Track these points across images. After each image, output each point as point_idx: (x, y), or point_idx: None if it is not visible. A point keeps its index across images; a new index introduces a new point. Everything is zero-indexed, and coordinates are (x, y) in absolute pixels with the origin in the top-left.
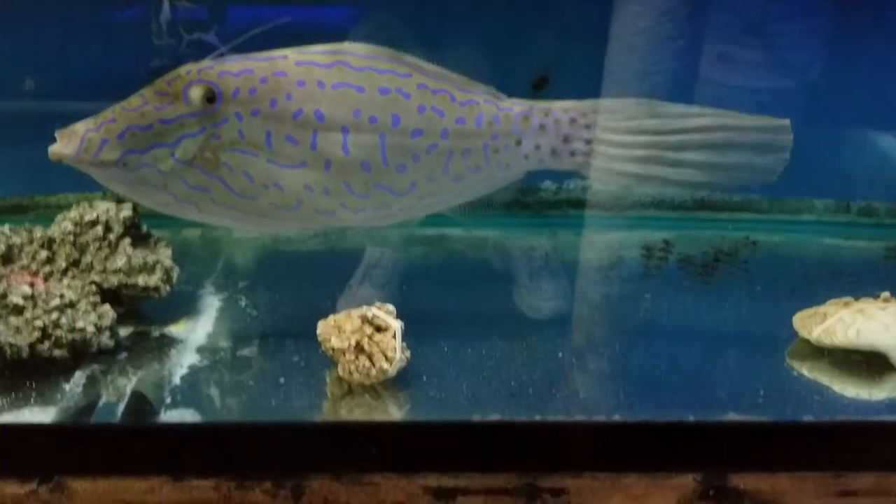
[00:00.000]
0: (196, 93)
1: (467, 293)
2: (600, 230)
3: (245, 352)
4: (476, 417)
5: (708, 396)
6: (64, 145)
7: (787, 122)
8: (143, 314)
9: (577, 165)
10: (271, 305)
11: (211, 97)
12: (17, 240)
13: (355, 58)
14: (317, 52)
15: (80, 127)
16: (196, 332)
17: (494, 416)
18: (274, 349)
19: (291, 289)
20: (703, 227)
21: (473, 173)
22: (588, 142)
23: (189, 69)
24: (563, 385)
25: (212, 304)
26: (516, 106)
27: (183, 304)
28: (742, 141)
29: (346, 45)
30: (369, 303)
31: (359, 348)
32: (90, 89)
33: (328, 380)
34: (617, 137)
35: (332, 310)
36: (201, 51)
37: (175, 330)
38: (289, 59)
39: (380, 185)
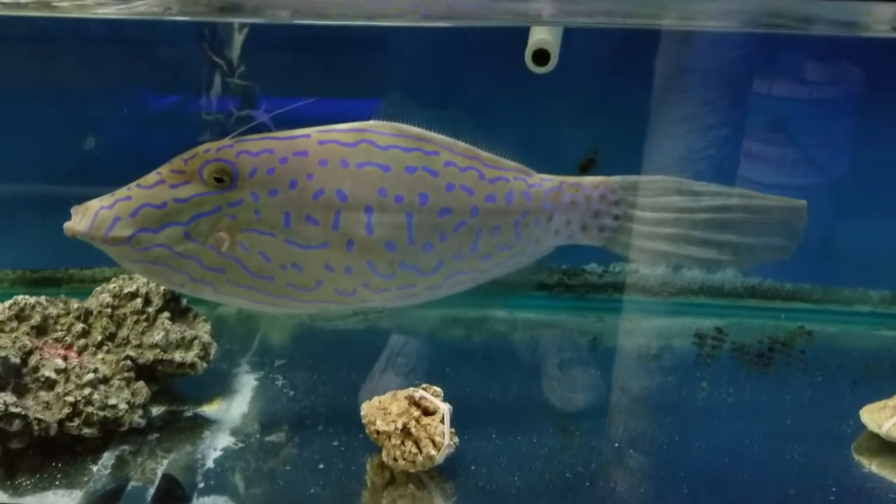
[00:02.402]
0: (211, 172)
1: (512, 377)
2: (648, 315)
3: (282, 435)
4: None
5: (777, 494)
6: (78, 221)
7: (804, 202)
8: (176, 391)
9: (605, 241)
10: (309, 385)
11: (227, 177)
12: (52, 311)
13: (380, 136)
14: (340, 131)
15: (95, 203)
16: (231, 412)
17: None
18: (312, 432)
19: (330, 368)
20: (754, 315)
21: (502, 250)
22: (617, 217)
23: (208, 147)
24: (622, 479)
25: (247, 382)
26: (546, 182)
27: (218, 382)
28: (764, 221)
29: (371, 124)
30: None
31: (405, 432)
32: (130, 163)
33: (369, 467)
34: (645, 214)
35: (373, 392)
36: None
37: (209, 409)
38: (311, 138)
39: (405, 265)
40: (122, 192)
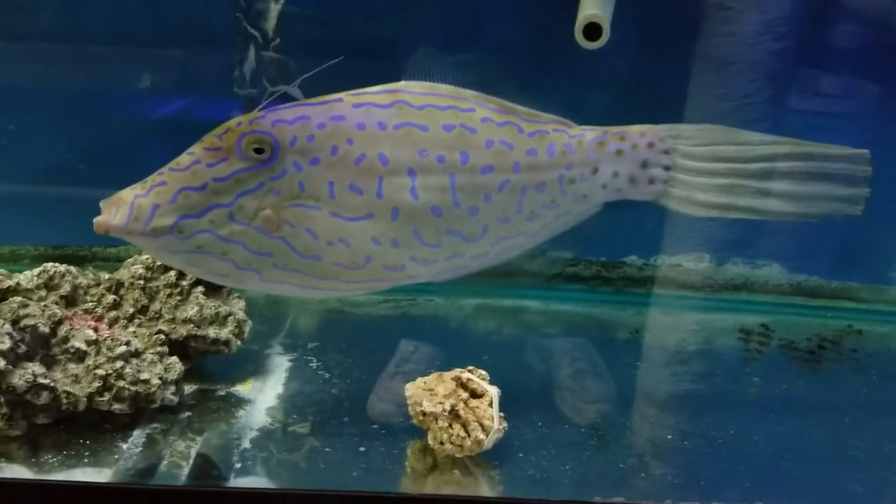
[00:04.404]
0: (250, 144)
1: (553, 368)
2: (690, 311)
3: (319, 417)
4: (597, 499)
5: (842, 490)
6: (111, 215)
7: (866, 151)
8: (207, 370)
9: (656, 194)
10: (344, 368)
11: (266, 148)
12: (82, 281)
13: (413, 96)
14: (373, 93)
15: (128, 194)
16: (265, 392)
17: (618, 500)
18: (350, 415)
19: (364, 353)
20: (799, 313)
21: (549, 209)
22: (667, 168)
23: (240, 121)
24: (678, 472)
25: (280, 363)
26: (588, 132)
27: (250, 362)
28: (823, 169)
29: (403, 84)
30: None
31: (453, 414)
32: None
33: (409, 451)
34: (698, 164)
35: (409, 376)
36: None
37: (242, 389)
38: (345, 101)
39: (452, 231)
40: (154, 177)
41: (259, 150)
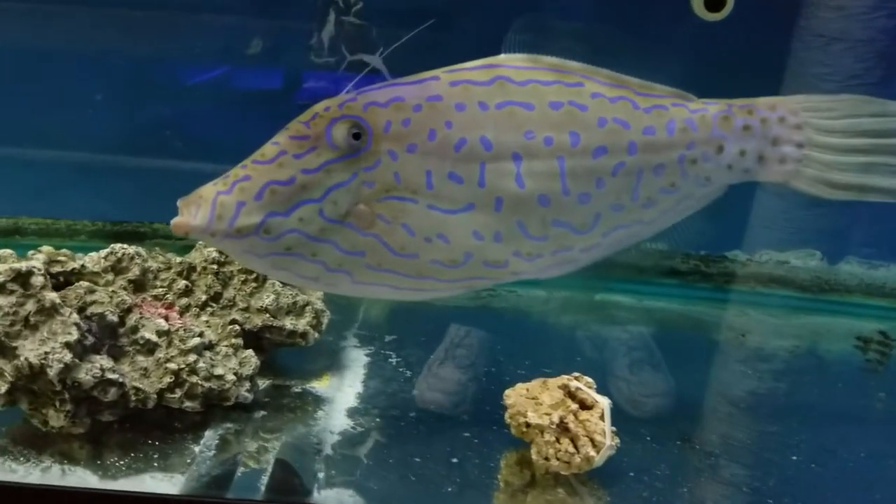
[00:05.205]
0: (341, 131)
1: (651, 373)
2: (799, 313)
3: (404, 421)
4: None
5: None
6: (191, 215)
7: None
8: (279, 363)
9: (788, 175)
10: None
11: (359, 134)
12: (152, 264)
13: (515, 70)
14: (471, 69)
15: (209, 190)
16: (343, 390)
17: None
18: (438, 420)
19: None
20: None
21: (667, 194)
22: (800, 145)
23: (328, 105)
24: (808, 497)
25: (357, 358)
26: (711, 106)
27: (324, 356)
28: None
29: (503, 58)
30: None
31: (562, 427)
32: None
33: (503, 463)
34: (835, 140)
35: (496, 377)
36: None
37: (319, 386)
38: (441, 80)
39: (559, 222)
40: (236, 171)
41: (356, 136)
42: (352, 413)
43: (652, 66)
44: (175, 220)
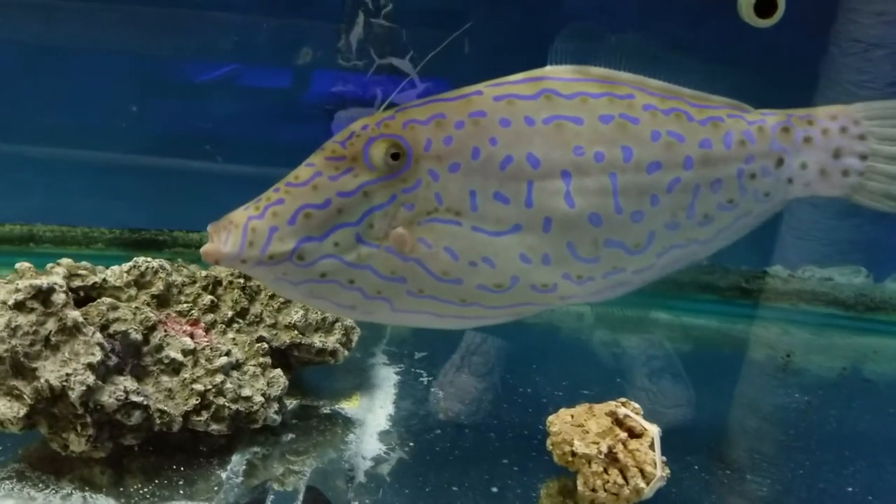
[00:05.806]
0: (379, 151)
1: (700, 396)
2: (842, 332)
3: (439, 446)
4: None
5: None
6: (222, 242)
7: None
8: (306, 382)
9: (850, 188)
10: None
11: (398, 154)
12: (177, 278)
13: (562, 83)
14: (515, 83)
15: (240, 214)
16: (374, 412)
17: None
18: (474, 445)
19: None
20: None
21: (725, 210)
22: (863, 157)
23: (365, 123)
24: None
25: (387, 376)
26: (770, 117)
27: (353, 374)
28: None
29: (548, 69)
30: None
31: (611, 457)
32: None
33: (544, 492)
34: None
35: (533, 398)
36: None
37: (348, 406)
38: (484, 94)
39: (612, 242)
40: (269, 194)
41: (395, 156)
42: (384, 437)
43: (697, 75)
44: (205, 248)
